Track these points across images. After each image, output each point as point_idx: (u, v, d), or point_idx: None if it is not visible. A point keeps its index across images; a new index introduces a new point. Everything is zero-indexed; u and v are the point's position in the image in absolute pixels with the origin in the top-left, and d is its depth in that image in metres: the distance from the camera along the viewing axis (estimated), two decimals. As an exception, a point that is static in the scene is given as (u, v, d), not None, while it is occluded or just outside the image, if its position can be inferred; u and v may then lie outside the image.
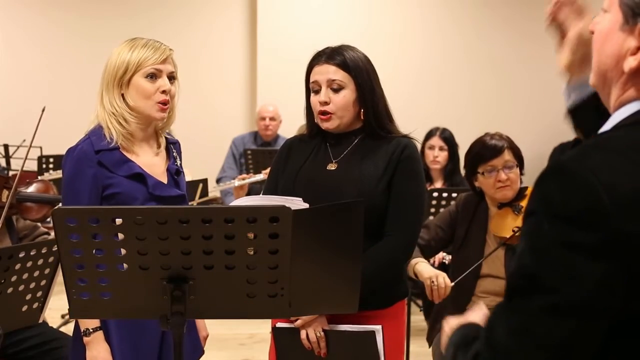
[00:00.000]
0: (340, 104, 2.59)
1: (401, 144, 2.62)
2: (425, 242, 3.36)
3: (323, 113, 2.61)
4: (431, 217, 4.48)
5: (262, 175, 4.68)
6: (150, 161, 2.62)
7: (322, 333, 2.56)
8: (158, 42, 2.61)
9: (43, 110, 3.12)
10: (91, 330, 2.50)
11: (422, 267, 3.11)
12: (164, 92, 2.57)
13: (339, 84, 2.59)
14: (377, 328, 2.52)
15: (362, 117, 2.64)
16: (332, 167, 2.64)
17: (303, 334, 2.57)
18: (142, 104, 2.57)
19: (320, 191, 2.56)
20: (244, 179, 4.24)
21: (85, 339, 2.51)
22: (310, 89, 2.65)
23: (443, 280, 2.98)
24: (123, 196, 2.52)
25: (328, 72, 2.60)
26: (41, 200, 3.42)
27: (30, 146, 3.28)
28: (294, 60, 8.27)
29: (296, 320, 2.58)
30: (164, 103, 2.58)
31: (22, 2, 7.99)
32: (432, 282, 2.99)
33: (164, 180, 2.62)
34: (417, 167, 2.64)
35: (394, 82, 8.29)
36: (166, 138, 2.73)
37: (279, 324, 2.64)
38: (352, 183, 2.57)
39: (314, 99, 2.64)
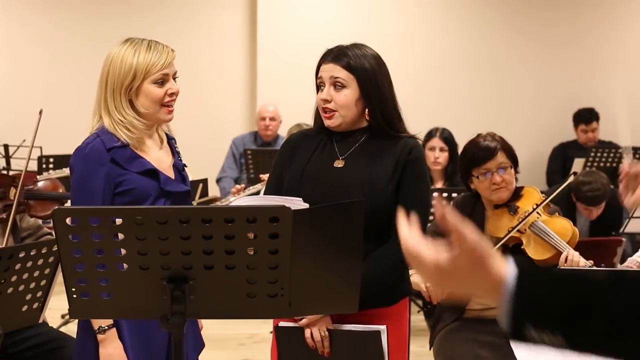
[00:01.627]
0: (341, 102, 2.61)
1: (408, 144, 2.63)
2: None
3: (325, 111, 2.64)
4: (431, 217, 4.48)
5: (259, 185, 4.66)
6: (158, 157, 2.64)
7: (326, 332, 2.57)
8: (160, 45, 2.60)
9: (40, 113, 3.12)
10: (105, 328, 2.49)
11: (414, 278, 3.17)
12: (172, 94, 2.59)
13: (341, 82, 2.61)
14: (382, 328, 2.52)
15: (367, 117, 2.65)
16: (339, 164, 2.64)
17: (307, 332, 2.57)
18: (152, 110, 2.57)
19: (328, 189, 2.57)
20: (238, 190, 4.21)
21: (99, 336, 2.50)
22: (318, 85, 2.68)
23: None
24: (137, 192, 2.53)
25: (332, 70, 2.62)
26: (50, 197, 3.41)
27: (32, 148, 3.28)
28: (294, 61, 8.29)
29: (300, 319, 2.57)
30: (171, 105, 2.61)
31: (21, 2, 7.99)
32: (427, 285, 3.04)
33: (171, 175, 2.64)
34: (424, 168, 2.67)
35: (394, 82, 8.28)
36: (166, 134, 2.75)
37: (282, 323, 2.64)
38: (361, 184, 2.57)
39: (318, 96, 2.66)
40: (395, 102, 2.68)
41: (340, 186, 2.58)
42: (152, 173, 2.56)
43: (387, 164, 2.60)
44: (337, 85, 2.61)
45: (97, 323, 2.51)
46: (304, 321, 2.57)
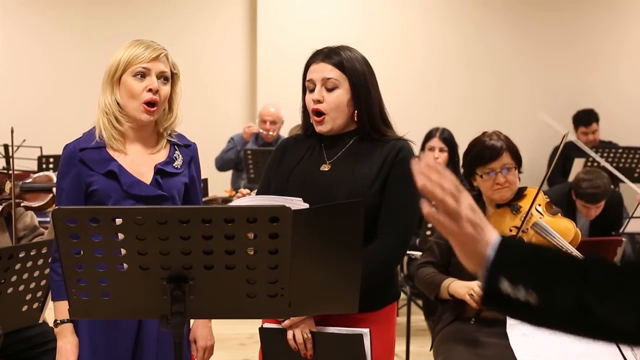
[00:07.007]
0: (333, 103, 2.57)
1: (396, 146, 2.60)
2: (435, 263, 3.37)
3: (317, 114, 2.60)
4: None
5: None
6: (137, 160, 2.60)
7: (309, 335, 2.54)
8: (153, 43, 2.60)
9: (12, 131, 3.17)
10: (58, 322, 2.54)
11: (455, 286, 3.20)
12: (150, 90, 2.54)
13: (334, 82, 2.57)
14: (365, 331, 2.49)
15: (355, 119, 2.63)
16: (325, 167, 2.62)
17: (290, 334, 2.55)
18: (129, 104, 2.56)
19: (312, 191, 2.53)
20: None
21: (55, 329, 2.56)
22: (306, 87, 2.64)
23: (479, 288, 3.06)
24: (99, 193, 2.54)
25: (324, 70, 2.58)
26: (42, 188, 3.44)
27: (13, 159, 3.31)
28: (294, 60, 8.24)
29: (283, 320, 2.55)
30: (151, 104, 2.55)
31: (22, 2, 7.99)
32: (471, 294, 3.09)
33: (147, 180, 2.59)
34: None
35: (394, 82, 8.28)
36: (170, 141, 2.66)
37: (266, 325, 2.62)
38: (344, 184, 2.55)
39: (308, 97, 2.62)
40: (382, 106, 2.65)
41: (324, 188, 2.55)
42: (114, 175, 2.55)
43: (372, 165, 2.57)
44: (329, 85, 2.58)
45: (56, 317, 2.55)
46: (286, 322, 2.55)
